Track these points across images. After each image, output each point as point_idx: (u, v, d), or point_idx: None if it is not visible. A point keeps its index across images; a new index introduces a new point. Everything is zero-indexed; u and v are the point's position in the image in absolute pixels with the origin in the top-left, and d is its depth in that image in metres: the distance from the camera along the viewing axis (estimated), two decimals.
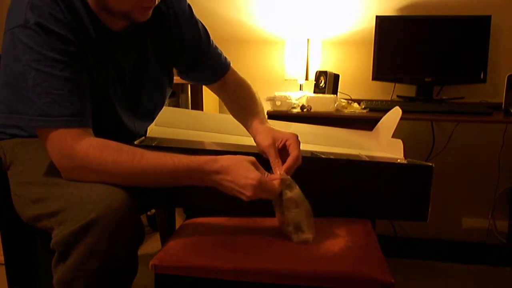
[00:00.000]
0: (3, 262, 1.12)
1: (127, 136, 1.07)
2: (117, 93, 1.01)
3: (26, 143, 1.00)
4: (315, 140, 1.22)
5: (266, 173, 0.90)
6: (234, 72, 1.21)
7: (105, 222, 0.77)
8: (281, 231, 0.93)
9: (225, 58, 1.19)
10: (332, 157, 1.09)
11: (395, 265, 1.00)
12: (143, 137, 1.16)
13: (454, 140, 1.98)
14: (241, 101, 1.18)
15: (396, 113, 1.25)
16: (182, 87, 1.92)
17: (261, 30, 2.12)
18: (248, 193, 0.84)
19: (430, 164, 1.01)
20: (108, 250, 0.78)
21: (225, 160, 0.86)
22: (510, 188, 1.99)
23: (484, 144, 1.99)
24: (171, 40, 1.08)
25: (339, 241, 0.92)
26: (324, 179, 1.03)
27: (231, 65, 1.20)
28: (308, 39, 1.94)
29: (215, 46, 1.17)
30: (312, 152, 1.16)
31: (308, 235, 0.90)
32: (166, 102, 1.19)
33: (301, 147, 0.99)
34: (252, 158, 0.88)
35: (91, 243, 0.77)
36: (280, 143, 0.99)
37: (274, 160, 0.97)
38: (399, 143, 1.16)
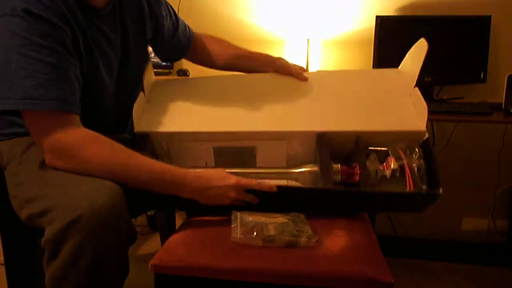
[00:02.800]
0: (3, 262, 1.12)
1: (115, 119, 1.10)
2: (112, 68, 1.04)
3: (22, 144, 1.00)
4: (328, 92, 1.18)
5: None
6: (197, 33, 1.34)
7: (91, 219, 0.77)
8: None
9: (187, 25, 1.31)
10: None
11: (395, 265, 1.00)
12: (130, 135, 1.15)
13: (454, 140, 1.98)
14: (224, 47, 1.32)
15: (421, 45, 1.17)
16: None
17: (261, 30, 2.12)
18: (232, 194, 0.94)
19: (440, 192, 1.00)
20: (96, 247, 0.78)
21: (210, 171, 0.97)
22: (510, 188, 1.99)
23: (484, 144, 1.99)
24: (146, 13, 1.12)
25: (339, 241, 0.92)
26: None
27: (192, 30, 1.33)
28: (308, 39, 1.94)
29: (179, 17, 1.28)
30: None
31: (306, 240, 0.90)
32: None
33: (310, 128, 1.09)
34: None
35: (79, 240, 0.77)
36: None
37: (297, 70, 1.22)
38: (423, 108, 1.07)
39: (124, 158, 0.89)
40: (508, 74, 1.66)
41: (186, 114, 1.13)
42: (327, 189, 1.02)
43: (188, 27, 1.30)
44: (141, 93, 1.12)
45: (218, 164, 1.13)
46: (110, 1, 1.00)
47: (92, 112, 0.96)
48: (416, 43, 1.20)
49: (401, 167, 1.02)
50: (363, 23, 2.02)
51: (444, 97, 1.90)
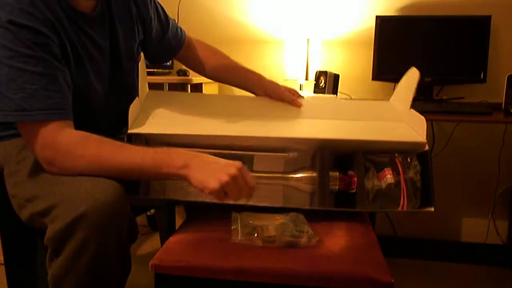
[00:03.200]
0: (3, 262, 1.12)
1: (109, 124, 1.08)
2: (102, 74, 1.03)
3: (18, 144, 1.00)
4: (324, 113, 1.16)
5: None
6: (190, 37, 1.31)
7: (94, 216, 0.77)
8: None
9: (178, 25, 1.28)
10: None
11: (395, 265, 1.00)
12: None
13: (454, 140, 1.98)
14: (216, 56, 1.28)
15: (413, 74, 1.16)
16: (183, 86, 1.92)
17: (261, 30, 2.12)
18: (232, 170, 0.82)
19: (431, 210, 1.00)
20: (99, 244, 0.78)
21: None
22: (510, 188, 1.99)
23: (484, 144, 1.99)
24: (135, 18, 1.11)
25: (339, 241, 0.92)
26: None
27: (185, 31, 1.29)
28: (308, 39, 1.94)
29: (170, 18, 1.25)
30: None
31: (307, 240, 0.90)
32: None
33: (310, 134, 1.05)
34: None
35: (82, 238, 0.77)
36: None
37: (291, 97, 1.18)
38: (422, 121, 1.07)
39: (112, 151, 0.87)
40: (508, 74, 1.66)
41: (183, 120, 1.12)
42: (327, 210, 1.03)
43: (180, 29, 1.28)
44: (137, 97, 1.10)
45: None
46: (97, 6, 1.00)
47: (85, 118, 0.95)
48: (408, 72, 1.19)
49: (397, 182, 1.02)
50: (363, 23, 2.02)
51: (444, 97, 1.90)
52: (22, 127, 0.90)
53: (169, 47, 1.26)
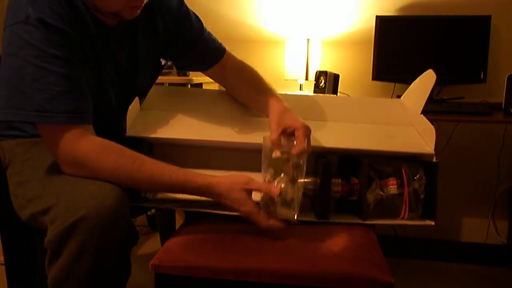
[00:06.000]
0: (3, 262, 1.12)
1: (120, 129, 1.06)
2: (114, 86, 1.02)
3: (25, 143, 1.00)
4: (331, 115, 1.14)
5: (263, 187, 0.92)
6: (232, 57, 1.20)
7: (94, 220, 0.77)
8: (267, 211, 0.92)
9: (220, 44, 1.18)
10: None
11: (395, 265, 1.00)
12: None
13: (454, 140, 1.99)
14: (247, 83, 1.16)
15: (429, 76, 1.12)
16: (183, 86, 1.92)
17: (261, 30, 2.12)
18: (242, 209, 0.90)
19: (432, 224, 0.99)
20: (99, 248, 0.78)
21: (221, 186, 0.90)
22: (510, 188, 1.99)
23: (484, 144, 1.99)
24: (161, 33, 1.09)
25: (339, 241, 0.92)
26: None
27: (227, 51, 1.19)
28: (308, 39, 1.94)
29: (208, 32, 1.17)
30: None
31: (293, 212, 0.90)
32: None
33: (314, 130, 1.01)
34: (246, 179, 0.90)
35: (81, 241, 0.77)
36: (289, 129, 0.98)
37: (276, 147, 0.97)
38: (431, 130, 1.04)
39: (130, 165, 0.87)
40: (508, 74, 1.66)
41: (183, 122, 1.09)
42: (329, 222, 1.01)
43: (217, 48, 1.17)
44: (136, 97, 1.08)
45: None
46: (122, 22, 0.98)
47: (95, 125, 0.93)
48: (424, 74, 1.15)
49: (401, 193, 1.01)
50: (363, 23, 2.02)
51: (444, 97, 1.90)
52: (42, 129, 0.88)
53: (200, 60, 1.18)
